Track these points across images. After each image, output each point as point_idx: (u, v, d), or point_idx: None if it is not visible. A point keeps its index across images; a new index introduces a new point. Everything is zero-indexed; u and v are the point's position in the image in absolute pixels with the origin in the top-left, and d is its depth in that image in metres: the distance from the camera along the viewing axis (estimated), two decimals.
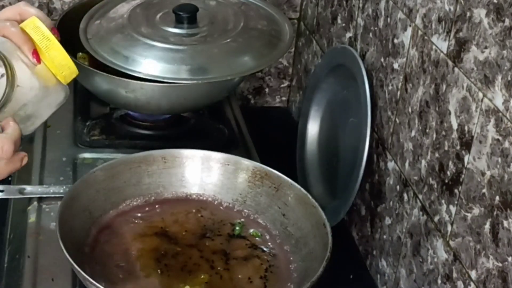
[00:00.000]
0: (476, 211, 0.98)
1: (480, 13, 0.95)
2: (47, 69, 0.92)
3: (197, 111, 1.46)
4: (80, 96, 1.48)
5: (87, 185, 1.10)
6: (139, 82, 1.26)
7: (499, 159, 0.92)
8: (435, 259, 1.09)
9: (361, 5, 1.36)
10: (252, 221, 1.14)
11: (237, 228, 1.12)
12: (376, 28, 1.29)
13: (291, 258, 1.07)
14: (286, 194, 1.13)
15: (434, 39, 1.08)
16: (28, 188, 1.21)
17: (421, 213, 1.13)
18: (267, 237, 1.11)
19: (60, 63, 0.92)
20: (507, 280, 0.91)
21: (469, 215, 0.99)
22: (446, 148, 1.05)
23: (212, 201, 1.17)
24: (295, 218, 1.11)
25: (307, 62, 1.71)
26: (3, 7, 1.63)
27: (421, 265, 1.13)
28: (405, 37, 1.18)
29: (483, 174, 0.96)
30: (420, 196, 1.13)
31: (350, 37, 1.42)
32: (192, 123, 1.44)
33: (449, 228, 1.05)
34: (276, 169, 1.15)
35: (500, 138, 0.92)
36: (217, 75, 1.28)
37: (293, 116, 1.82)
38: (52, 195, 1.20)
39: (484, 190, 0.95)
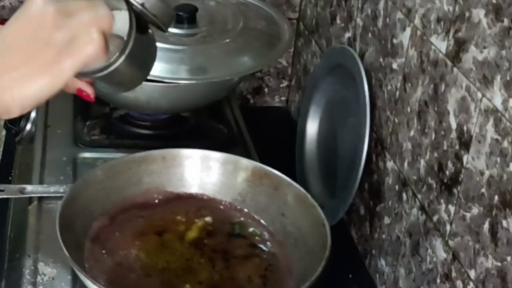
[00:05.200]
0: (475, 210, 0.98)
1: (479, 13, 0.96)
2: None
3: (197, 111, 1.47)
4: None
5: (87, 185, 1.10)
6: None
7: (498, 159, 0.92)
8: (434, 259, 1.09)
9: (360, 5, 1.37)
10: (251, 220, 1.14)
11: (237, 227, 1.12)
12: (375, 28, 1.29)
13: (291, 257, 1.07)
14: (285, 193, 1.13)
15: (433, 39, 1.08)
16: (29, 188, 1.21)
17: (420, 212, 1.13)
18: (267, 236, 1.11)
19: None
20: (506, 280, 0.91)
21: (468, 214, 1.00)
22: (445, 148, 1.05)
23: (211, 201, 1.17)
24: (294, 218, 1.11)
25: (306, 62, 1.72)
26: (3, 7, 1.64)
27: (420, 265, 1.14)
28: (404, 37, 1.18)
29: (482, 173, 0.96)
30: (419, 196, 1.14)
31: (349, 37, 1.43)
32: (192, 123, 1.45)
33: (448, 227, 1.05)
34: (275, 168, 1.15)
35: (499, 138, 0.92)
36: (217, 75, 1.28)
37: (292, 116, 1.82)
38: (53, 195, 1.20)
39: (483, 190, 0.96)
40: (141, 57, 0.90)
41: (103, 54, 0.77)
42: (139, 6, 0.87)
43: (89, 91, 0.87)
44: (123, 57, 0.85)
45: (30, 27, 0.75)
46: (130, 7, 0.86)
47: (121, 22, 0.88)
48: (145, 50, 0.91)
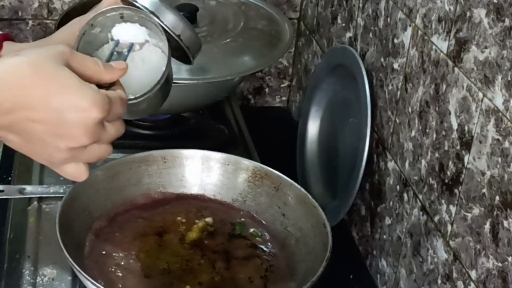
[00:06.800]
0: (476, 211, 0.98)
1: (480, 13, 0.95)
2: None
3: (197, 111, 1.46)
4: None
5: (87, 185, 1.09)
6: None
7: (499, 159, 0.92)
8: (435, 259, 1.09)
9: (361, 5, 1.36)
10: (252, 221, 1.14)
11: (237, 228, 1.12)
12: (376, 28, 1.29)
13: (291, 258, 1.07)
14: (286, 194, 1.13)
15: (434, 39, 1.08)
16: (28, 188, 1.21)
17: (421, 213, 1.13)
18: (267, 237, 1.11)
19: None
20: (507, 280, 0.91)
21: (469, 215, 0.99)
22: (446, 148, 1.05)
23: (212, 201, 1.17)
24: (295, 218, 1.11)
25: (307, 62, 1.71)
26: (3, 7, 1.63)
27: (421, 265, 1.13)
28: (405, 37, 1.18)
29: (483, 174, 0.96)
30: (420, 196, 1.13)
31: (350, 37, 1.42)
32: (192, 123, 1.44)
33: (449, 228, 1.05)
34: (276, 169, 1.15)
35: (500, 138, 0.92)
36: (217, 75, 1.28)
37: (293, 116, 1.82)
38: (52, 195, 1.20)
39: (484, 190, 0.95)
40: (167, 85, 0.90)
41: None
42: (176, 38, 0.88)
43: None
44: (158, 86, 0.85)
45: (58, 125, 0.75)
46: (167, 37, 0.87)
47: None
48: (169, 78, 0.92)
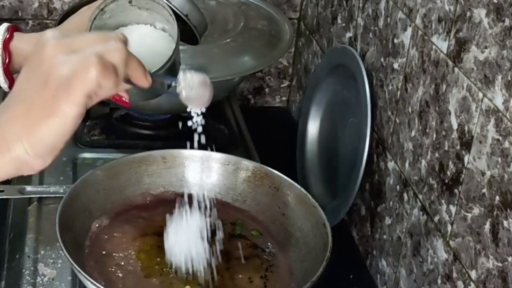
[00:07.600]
0: (476, 211, 0.98)
1: (480, 13, 0.95)
2: None
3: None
4: None
5: (87, 185, 1.09)
6: None
7: (499, 159, 0.92)
8: (435, 259, 1.09)
9: (361, 5, 1.36)
10: (252, 221, 1.14)
11: (237, 228, 1.12)
12: (376, 28, 1.29)
13: (291, 258, 1.07)
14: (286, 194, 1.13)
15: (434, 39, 1.08)
16: (28, 188, 1.21)
17: (421, 213, 1.13)
18: (267, 237, 1.11)
19: None
20: (507, 280, 0.91)
21: (469, 215, 0.99)
22: (446, 148, 1.05)
23: (212, 201, 1.17)
24: (295, 218, 1.11)
25: (307, 62, 1.71)
26: (3, 7, 1.63)
27: (421, 265, 1.13)
28: (405, 37, 1.18)
29: (483, 174, 0.96)
30: (420, 196, 1.13)
31: (350, 37, 1.42)
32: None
33: (449, 228, 1.05)
34: (276, 169, 1.15)
35: (500, 138, 0.92)
36: (217, 75, 1.28)
37: (293, 116, 1.82)
38: (52, 195, 1.20)
39: (484, 190, 0.95)
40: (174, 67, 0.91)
41: (105, 81, 0.69)
42: (184, 17, 0.89)
43: (126, 96, 0.81)
44: (168, 65, 0.86)
45: (33, 66, 0.69)
46: (174, 17, 0.87)
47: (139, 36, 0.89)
48: (177, 61, 0.93)
